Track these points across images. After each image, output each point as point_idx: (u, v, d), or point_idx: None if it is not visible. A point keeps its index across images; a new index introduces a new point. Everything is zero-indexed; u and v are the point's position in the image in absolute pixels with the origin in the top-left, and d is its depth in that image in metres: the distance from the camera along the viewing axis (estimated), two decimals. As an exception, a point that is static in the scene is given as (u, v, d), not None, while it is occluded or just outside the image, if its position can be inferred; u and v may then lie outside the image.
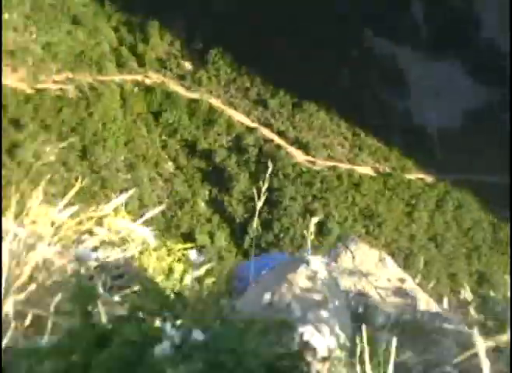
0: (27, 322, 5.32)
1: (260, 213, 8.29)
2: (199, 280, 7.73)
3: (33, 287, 5.72)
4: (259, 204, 7.28)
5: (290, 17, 58.61)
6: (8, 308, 5.38)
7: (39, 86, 53.85)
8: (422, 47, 63.38)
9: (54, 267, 6.04)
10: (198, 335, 3.64)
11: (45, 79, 54.32)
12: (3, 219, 6.64)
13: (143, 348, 3.55)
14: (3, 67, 52.71)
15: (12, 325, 5.23)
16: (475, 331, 6.08)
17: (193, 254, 8.08)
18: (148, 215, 8.29)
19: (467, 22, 64.53)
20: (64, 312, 4.31)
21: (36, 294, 5.63)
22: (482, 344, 5.68)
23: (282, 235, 49.14)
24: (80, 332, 3.69)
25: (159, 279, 7.12)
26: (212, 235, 49.89)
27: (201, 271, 7.58)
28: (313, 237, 6.99)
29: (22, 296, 5.54)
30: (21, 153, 47.88)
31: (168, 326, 3.66)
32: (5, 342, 4.88)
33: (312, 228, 6.71)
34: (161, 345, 3.55)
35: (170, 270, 7.77)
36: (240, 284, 7.40)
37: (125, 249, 7.46)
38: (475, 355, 5.70)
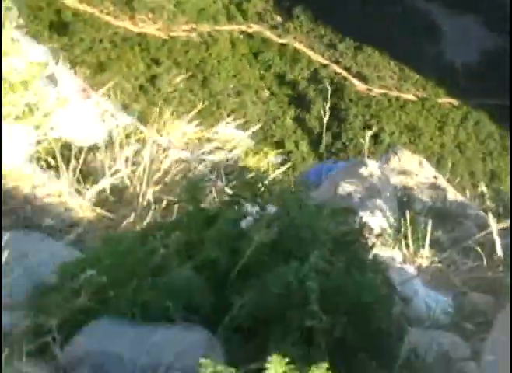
0: (162, 206, 5.33)
1: (331, 127, 8.27)
2: (284, 176, 7.70)
3: (166, 180, 5.72)
4: (325, 119, 7.24)
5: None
6: (148, 195, 5.39)
7: (172, 34, 53.54)
8: (448, 5, 61.94)
9: (181, 165, 6.04)
10: (271, 209, 3.62)
11: (176, 29, 53.97)
12: (146, 128, 6.63)
13: (239, 224, 3.54)
14: (143, 18, 52.41)
15: (152, 207, 5.25)
16: (489, 215, 5.98)
17: (273, 158, 8.06)
18: (251, 129, 8.26)
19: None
20: (181, 200, 4.30)
21: (168, 186, 5.63)
22: (494, 225, 5.59)
23: (347, 143, 48.69)
24: (193, 214, 3.68)
25: (255, 174, 7.09)
26: (296, 143, 49.66)
27: (283, 169, 7.54)
28: (369, 145, 6.90)
29: (158, 187, 5.55)
30: (159, 82, 47.87)
31: (250, 206, 3.63)
32: (147, 220, 4.90)
33: (368, 139, 6.63)
34: (246, 220, 3.54)
35: (264, 168, 7.76)
36: (316, 180, 7.34)
37: (233, 153, 7.44)
38: (489, 233, 5.62)
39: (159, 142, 6.16)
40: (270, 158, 7.90)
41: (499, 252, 5.44)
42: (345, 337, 3.27)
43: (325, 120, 7.35)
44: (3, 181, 5.05)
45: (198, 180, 3.81)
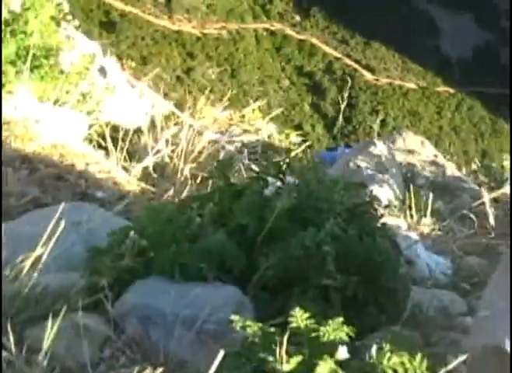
0: (198, 181, 5.33)
1: (343, 112, 8.22)
2: (302, 154, 7.67)
3: (201, 158, 5.71)
4: (343, 106, 7.19)
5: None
6: (186, 172, 5.38)
7: (204, 31, 53.33)
8: (445, 5, 61.47)
9: (214, 146, 6.03)
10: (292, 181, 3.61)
11: (208, 27, 53.76)
12: (183, 114, 6.62)
13: (264, 196, 3.52)
14: (180, 17, 52.26)
15: (189, 182, 5.24)
16: (482, 188, 5.94)
17: (293, 138, 8.02)
18: (273, 114, 8.22)
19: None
20: (211, 176, 4.28)
21: (203, 163, 5.63)
22: (486, 196, 5.55)
23: (357, 126, 48.42)
24: (224, 188, 3.67)
25: (279, 155, 7.07)
26: (313, 126, 49.49)
27: (302, 148, 7.51)
28: (377, 129, 6.85)
29: (194, 164, 5.54)
30: (194, 74, 47.80)
31: (271, 179, 3.61)
32: (184, 193, 4.90)
33: (377, 123, 6.58)
34: (269, 189, 3.53)
35: (286, 147, 7.73)
36: (331, 159, 7.31)
37: (258, 135, 7.42)
38: (482, 204, 5.58)
39: (194, 126, 6.15)
40: (291, 138, 7.87)
41: (491, 220, 5.41)
42: (357, 294, 3.26)
43: (342, 106, 7.31)
44: (62, 159, 5.08)
45: (227, 159, 3.78)
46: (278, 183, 3.63)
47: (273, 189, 3.51)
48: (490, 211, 5.33)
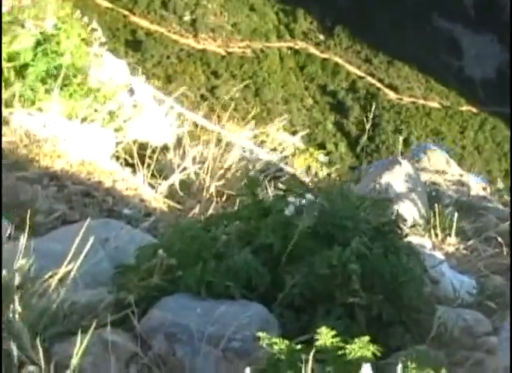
0: (224, 198, 5.33)
1: (367, 131, 8.21)
2: (329, 174, 7.66)
3: (227, 176, 5.72)
4: (368, 126, 7.19)
5: (389, 9, 57.58)
6: (212, 189, 5.40)
7: (229, 50, 53.58)
8: (469, 25, 61.43)
9: (240, 164, 6.03)
10: (320, 201, 3.59)
11: (233, 46, 53.99)
12: (209, 132, 6.63)
13: (290, 215, 3.52)
14: (205, 36, 52.63)
15: (214, 200, 5.25)
16: (508, 208, 5.90)
17: (321, 157, 8.01)
18: (298, 135, 8.23)
19: (497, 10, 62.49)
20: (240, 194, 4.26)
21: (229, 181, 5.63)
22: None
23: (380, 145, 48.41)
24: (252, 206, 3.68)
25: (303, 173, 7.06)
26: (336, 145, 49.50)
27: (327, 165, 7.52)
28: (401, 147, 6.83)
29: (220, 182, 5.55)
30: (218, 92, 47.95)
31: (292, 198, 3.60)
32: (210, 211, 4.91)
33: (401, 142, 6.56)
34: (288, 208, 3.52)
35: (309, 167, 7.72)
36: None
37: (283, 153, 7.42)
38: (508, 224, 5.55)
39: (220, 143, 6.17)
40: (320, 157, 7.87)
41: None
42: (382, 313, 3.25)
43: (368, 126, 7.31)
44: (89, 176, 5.12)
45: (255, 177, 3.79)
46: (303, 201, 3.63)
47: (293, 209, 3.51)
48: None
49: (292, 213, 3.48)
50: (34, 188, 4.72)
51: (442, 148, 7.80)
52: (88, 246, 3.25)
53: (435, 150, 6.89)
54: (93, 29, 6.75)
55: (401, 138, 7.08)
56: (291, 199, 3.57)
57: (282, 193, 3.81)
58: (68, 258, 3.20)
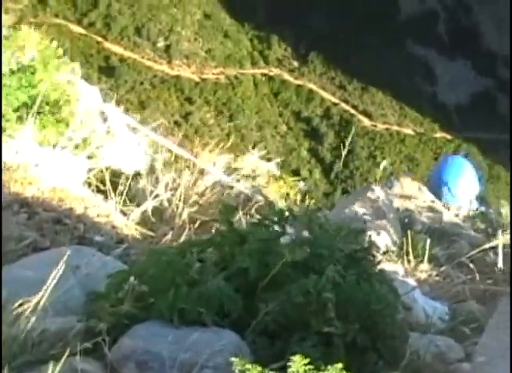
0: (196, 225, 5.33)
1: (340, 157, 8.27)
2: (303, 200, 7.68)
3: (200, 203, 5.72)
4: (344, 152, 7.23)
5: (363, 35, 58.27)
6: (184, 216, 5.39)
7: (203, 76, 53.78)
8: (443, 52, 62.33)
9: (213, 190, 6.04)
10: (305, 233, 3.61)
11: (207, 72, 54.22)
12: (182, 158, 6.63)
13: (268, 242, 3.53)
14: (179, 63, 52.85)
15: (187, 227, 5.25)
16: (480, 235, 5.96)
17: (301, 185, 8.04)
18: (272, 162, 8.24)
19: (471, 36, 63.42)
20: (216, 221, 4.28)
21: (202, 208, 5.63)
22: (484, 243, 5.58)
23: (354, 171, 48.69)
24: (227, 233, 3.69)
25: (278, 200, 7.07)
26: (310, 172, 49.70)
27: (302, 192, 7.54)
28: (380, 174, 6.87)
29: (193, 209, 5.55)
30: (192, 118, 48.09)
31: (288, 227, 3.63)
32: (182, 239, 4.90)
33: (381, 169, 6.59)
34: (284, 238, 3.54)
35: (286, 194, 7.74)
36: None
37: (257, 180, 7.43)
38: (481, 251, 5.60)
39: (193, 170, 6.17)
40: (299, 185, 7.90)
41: (489, 267, 5.43)
42: (357, 340, 3.26)
43: (344, 152, 7.34)
44: (61, 203, 5.10)
45: (231, 204, 3.80)
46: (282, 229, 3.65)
47: (287, 240, 3.53)
48: (489, 258, 5.35)
49: (269, 237, 3.50)
50: (5, 215, 4.68)
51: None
52: (59, 274, 3.24)
53: (407, 177, 6.95)
54: (68, 63, 6.77)
55: (382, 164, 7.09)
56: (289, 230, 3.60)
57: (257, 220, 3.82)
58: (39, 286, 3.18)
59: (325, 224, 3.76)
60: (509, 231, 5.75)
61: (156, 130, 7.88)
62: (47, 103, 5.92)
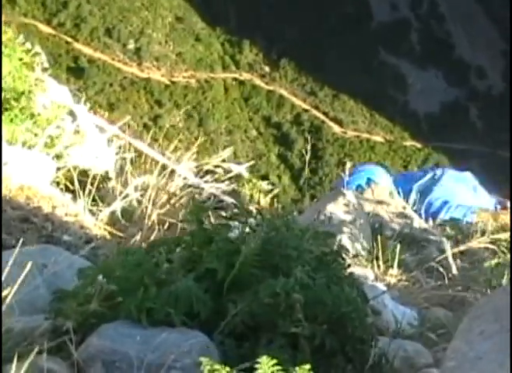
0: (166, 227, 5.32)
1: (310, 163, 8.30)
2: (271, 203, 7.71)
3: (169, 204, 5.72)
4: (307, 156, 7.27)
5: (335, 42, 58.69)
6: (154, 217, 5.38)
7: (173, 79, 53.72)
8: (415, 61, 62.94)
9: (182, 192, 6.03)
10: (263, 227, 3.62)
11: (177, 75, 54.15)
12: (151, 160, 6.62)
13: (235, 243, 3.54)
14: (149, 65, 52.77)
15: (156, 228, 5.24)
16: (447, 241, 6.02)
17: (264, 185, 8.07)
18: (243, 166, 8.25)
19: (444, 46, 64.08)
20: (186, 220, 4.29)
21: (171, 210, 5.63)
22: (449, 250, 5.64)
23: (323, 178, 48.93)
24: (196, 233, 3.69)
25: (247, 201, 7.10)
26: (279, 177, 49.82)
27: (271, 196, 7.56)
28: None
29: (162, 211, 5.54)
30: (161, 121, 48.03)
31: (236, 223, 3.63)
32: (151, 239, 4.90)
33: (347, 174, 6.63)
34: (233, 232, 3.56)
35: (253, 197, 7.76)
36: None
37: (226, 182, 7.44)
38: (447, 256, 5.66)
39: (162, 172, 6.16)
40: (262, 185, 7.93)
41: (455, 272, 5.49)
42: (325, 342, 3.27)
43: (307, 157, 7.38)
44: (28, 201, 5.06)
45: (202, 204, 3.82)
46: (247, 229, 3.66)
47: (237, 233, 3.54)
48: (453, 263, 5.41)
49: (236, 237, 3.51)
50: (-30, 212, 4.65)
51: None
52: (25, 272, 3.21)
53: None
54: (36, 54, 6.73)
55: (347, 168, 7.17)
56: (235, 224, 3.60)
57: (225, 220, 3.83)
58: (5, 284, 3.15)
59: (293, 225, 3.77)
60: (478, 236, 5.82)
61: (125, 132, 7.86)
62: (14, 98, 5.87)
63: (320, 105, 58.04)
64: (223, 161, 7.47)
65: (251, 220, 3.73)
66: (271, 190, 8.09)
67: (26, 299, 3.43)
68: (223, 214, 4.03)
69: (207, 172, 7.48)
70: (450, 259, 5.56)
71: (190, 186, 6.11)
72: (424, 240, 6.18)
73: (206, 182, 7.00)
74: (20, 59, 6.35)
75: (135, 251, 3.59)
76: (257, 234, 3.51)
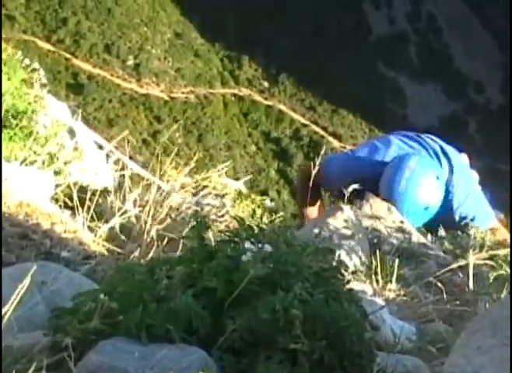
0: (165, 243, 5.33)
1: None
2: (272, 219, 7.71)
3: (168, 220, 5.73)
4: (314, 172, 7.26)
5: (334, 57, 58.89)
6: (153, 233, 5.40)
7: (172, 95, 53.91)
8: (413, 75, 63.12)
9: (182, 208, 6.06)
10: (268, 248, 3.63)
11: (176, 91, 54.34)
12: (150, 176, 6.65)
13: (235, 259, 3.55)
14: (148, 81, 52.90)
15: (155, 244, 5.25)
16: (448, 256, 6.03)
17: (268, 202, 8.07)
18: (241, 181, 8.28)
19: (442, 60, 64.29)
20: (187, 237, 4.30)
21: (170, 225, 5.64)
22: (452, 264, 5.64)
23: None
24: (197, 250, 3.70)
25: (247, 218, 7.09)
26: (279, 192, 49.86)
27: (275, 216, 7.57)
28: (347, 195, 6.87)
29: (162, 226, 5.56)
30: (160, 137, 48.18)
31: (249, 244, 3.64)
32: (150, 255, 4.91)
33: (349, 192, 6.60)
34: (246, 256, 3.55)
35: (254, 213, 7.77)
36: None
37: (225, 198, 7.45)
38: (448, 271, 5.67)
39: (161, 188, 6.19)
40: (266, 203, 7.93)
41: (457, 288, 5.49)
42: (324, 358, 3.28)
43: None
44: (27, 218, 5.08)
45: (203, 220, 3.83)
46: (251, 246, 3.66)
47: (250, 255, 3.54)
48: (454, 279, 5.43)
49: (249, 259, 3.51)
50: (-31, 230, 4.66)
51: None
52: (23, 289, 3.22)
53: (376, 198, 7.01)
54: (34, 70, 6.76)
55: (350, 187, 7.10)
56: (248, 245, 3.61)
57: (226, 237, 3.84)
58: (3, 302, 3.16)
59: (292, 241, 3.79)
60: (477, 251, 5.83)
61: (124, 148, 7.88)
62: (13, 116, 5.91)
63: (319, 120, 58.22)
64: (219, 176, 7.49)
65: (252, 236, 3.75)
66: (270, 205, 8.09)
67: (24, 316, 3.44)
68: (224, 229, 4.05)
69: (206, 186, 7.50)
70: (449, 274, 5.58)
71: (188, 201, 6.13)
72: (423, 255, 6.19)
73: (204, 196, 7.02)
74: (22, 79, 6.38)
75: (134, 268, 3.60)
76: (261, 254, 3.53)
